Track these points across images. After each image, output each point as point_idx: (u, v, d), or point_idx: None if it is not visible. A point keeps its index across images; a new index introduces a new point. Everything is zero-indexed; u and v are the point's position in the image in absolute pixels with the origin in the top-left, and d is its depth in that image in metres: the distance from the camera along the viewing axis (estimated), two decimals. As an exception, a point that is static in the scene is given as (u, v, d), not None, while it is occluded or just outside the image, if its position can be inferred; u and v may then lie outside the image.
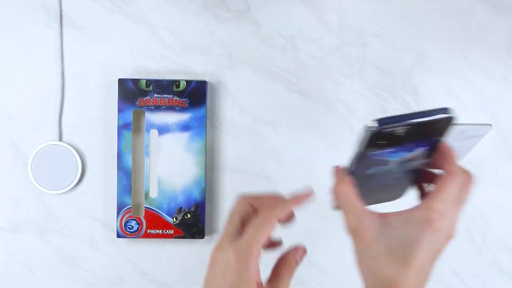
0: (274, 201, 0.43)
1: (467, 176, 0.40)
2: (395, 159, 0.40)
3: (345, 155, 0.65)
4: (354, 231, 0.38)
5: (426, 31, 0.65)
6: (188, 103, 0.62)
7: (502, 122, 0.66)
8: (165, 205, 0.62)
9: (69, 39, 0.64)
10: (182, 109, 0.62)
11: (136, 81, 0.62)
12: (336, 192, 0.39)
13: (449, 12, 0.65)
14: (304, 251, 0.44)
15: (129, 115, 0.62)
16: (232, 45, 0.64)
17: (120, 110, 0.62)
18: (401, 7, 0.65)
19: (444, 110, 0.39)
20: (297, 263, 0.43)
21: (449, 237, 0.40)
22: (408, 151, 0.40)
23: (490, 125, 0.57)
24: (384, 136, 0.38)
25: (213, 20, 0.64)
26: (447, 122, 0.40)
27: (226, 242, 0.41)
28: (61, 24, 0.64)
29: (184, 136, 0.62)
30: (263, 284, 0.41)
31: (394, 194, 0.47)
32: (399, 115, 0.37)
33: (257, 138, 0.64)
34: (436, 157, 0.40)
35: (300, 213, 0.66)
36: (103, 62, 0.64)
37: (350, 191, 0.39)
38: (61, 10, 0.64)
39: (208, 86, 0.64)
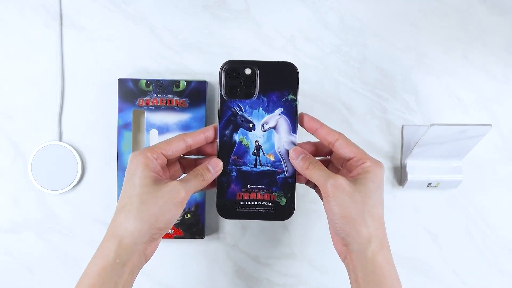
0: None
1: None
2: (256, 118, 0.47)
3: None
4: (335, 190, 0.44)
5: (426, 31, 0.65)
6: (188, 103, 0.62)
7: (502, 122, 0.66)
8: (165, 205, 0.62)
9: (69, 39, 0.64)
10: (182, 109, 0.62)
11: (136, 81, 0.62)
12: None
13: (449, 12, 0.65)
14: (220, 164, 0.47)
15: (129, 115, 0.62)
16: (232, 45, 0.64)
17: (120, 110, 0.62)
18: (401, 7, 0.65)
19: (287, 62, 0.47)
20: (210, 174, 0.46)
21: None
22: (264, 108, 0.47)
23: (490, 125, 0.57)
24: (235, 76, 0.48)
25: (213, 20, 0.64)
26: (291, 72, 0.48)
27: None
28: (61, 24, 0.64)
29: (184, 136, 0.62)
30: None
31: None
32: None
33: (257, 138, 0.64)
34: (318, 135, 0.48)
35: (300, 212, 0.66)
36: (103, 62, 0.64)
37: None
38: (61, 10, 0.64)
39: (208, 86, 0.64)
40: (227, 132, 0.48)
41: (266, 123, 0.47)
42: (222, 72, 0.48)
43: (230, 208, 0.48)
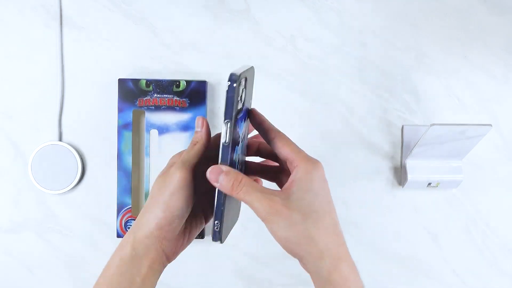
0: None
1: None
2: (241, 130, 0.41)
3: (345, 155, 0.65)
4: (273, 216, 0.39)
5: (426, 31, 0.65)
6: (188, 103, 0.62)
7: (502, 122, 0.66)
8: (165, 205, 0.62)
9: (69, 39, 0.64)
10: (182, 109, 0.62)
11: (136, 81, 0.62)
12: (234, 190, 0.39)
13: (449, 12, 0.65)
14: (201, 120, 0.43)
15: (129, 115, 0.62)
16: (232, 45, 0.64)
17: (120, 110, 0.62)
18: (401, 7, 0.65)
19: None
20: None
21: None
22: (243, 119, 0.41)
23: (490, 125, 0.57)
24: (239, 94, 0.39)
25: (213, 20, 0.64)
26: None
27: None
28: (61, 24, 0.64)
29: (184, 136, 0.62)
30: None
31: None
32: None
33: (257, 138, 0.64)
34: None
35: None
36: (103, 62, 0.64)
37: (249, 183, 0.40)
38: (61, 10, 0.64)
39: (208, 86, 0.64)
40: (234, 155, 0.41)
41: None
42: (239, 87, 0.38)
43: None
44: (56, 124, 0.64)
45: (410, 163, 0.63)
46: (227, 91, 0.36)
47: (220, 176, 0.39)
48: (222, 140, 0.38)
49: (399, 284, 0.66)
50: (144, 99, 0.62)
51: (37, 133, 0.64)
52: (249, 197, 0.39)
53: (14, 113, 0.64)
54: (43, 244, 0.64)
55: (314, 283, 0.41)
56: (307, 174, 0.39)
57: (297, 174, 0.39)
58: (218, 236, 0.40)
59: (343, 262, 0.40)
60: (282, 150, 0.40)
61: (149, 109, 0.62)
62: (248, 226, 0.65)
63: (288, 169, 0.41)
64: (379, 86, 0.65)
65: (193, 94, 0.62)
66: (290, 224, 0.38)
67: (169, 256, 0.44)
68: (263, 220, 0.39)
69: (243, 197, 0.39)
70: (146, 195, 0.63)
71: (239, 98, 0.38)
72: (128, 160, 0.62)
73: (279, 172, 0.45)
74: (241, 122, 0.40)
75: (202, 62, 0.64)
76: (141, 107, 0.62)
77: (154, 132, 0.63)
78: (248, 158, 0.45)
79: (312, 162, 0.39)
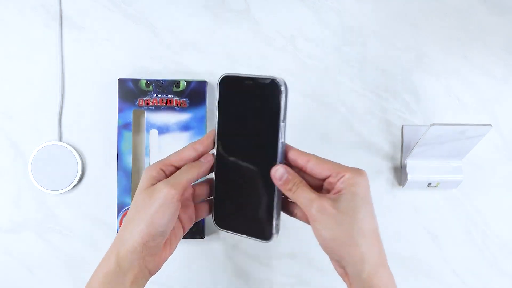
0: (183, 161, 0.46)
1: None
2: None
3: (345, 155, 0.65)
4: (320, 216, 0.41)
5: (426, 31, 0.65)
6: (188, 103, 0.62)
7: (502, 122, 0.66)
8: (165, 205, 0.62)
9: (69, 39, 0.64)
10: (182, 109, 0.62)
11: (136, 81, 0.62)
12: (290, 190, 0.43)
13: (449, 12, 0.65)
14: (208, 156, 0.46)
15: (129, 115, 0.62)
16: (232, 45, 0.64)
17: (120, 110, 0.62)
18: (401, 7, 0.65)
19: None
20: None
21: None
22: None
23: (490, 125, 0.57)
24: None
25: (213, 20, 0.64)
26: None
27: (145, 187, 0.44)
28: (61, 24, 0.64)
29: (184, 136, 0.62)
30: None
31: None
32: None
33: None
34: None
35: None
36: (103, 62, 0.64)
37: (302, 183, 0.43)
38: (61, 10, 0.64)
39: (208, 86, 0.64)
40: None
41: None
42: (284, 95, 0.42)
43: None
44: (56, 124, 0.64)
45: (410, 163, 0.63)
46: (285, 93, 0.41)
47: (284, 175, 0.42)
48: (281, 140, 0.42)
49: (399, 284, 0.66)
50: (144, 99, 0.62)
51: (37, 133, 0.64)
52: (303, 196, 0.42)
53: (14, 113, 0.64)
54: (43, 244, 0.64)
55: (351, 284, 0.42)
56: (355, 180, 0.41)
57: (345, 180, 0.41)
58: (277, 230, 0.44)
59: (383, 269, 0.41)
60: (322, 168, 0.42)
61: (149, 109, 0.62)
62: (248, 226, 0.65)
63: (327, 188, 0.43)
64: (379, 86, 0.65)
65: (193, 94, 0.62)
66: (337, 224, 0.40)
67: (151, 270, 0.45)
68: (311, 219, 0.41)
69: (297, 196, 0.42)
70: (146, 195, 0.63)
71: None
72: (128, 160, 0.62)
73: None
74: None
75: (202, 62, 0.64)
76: (141, 107, 0.62)
77: (154, 132, 0.63)
78: None
79: (358, 170, 0.42)
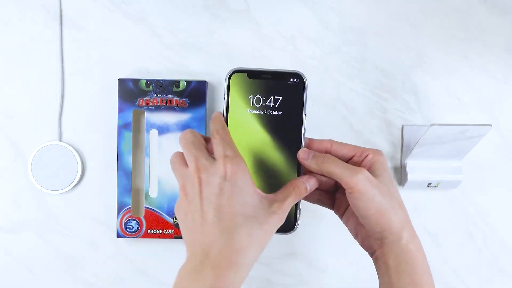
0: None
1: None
2: None
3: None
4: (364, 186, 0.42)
5: (426, 31, 0.65)
6: (188, 103, 0.62)
7: (502, 122, 0.66)
8: (165, 205, 0.62)
9: (69, 39, 0.64)
10: (182, 109, 0.62)
11: (136, 81, 0.62)
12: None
13: (449, 12, 0.65)
14: (316, 182, 0.44)
15: (129, 115, 0.62)
16: (232, 45, 0.64)
17: (120, 110, 0.62)
18: (401, 7, 0.65)
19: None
20: (305, 190, 0.43)
21: None
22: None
23: (490, 125, 0.57)
24: None
25: (213, 20, 0.64)
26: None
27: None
28: (61, 24, 0.64)
29: (184, 136, 0.62)
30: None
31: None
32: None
33: (257, 138, 0.64)
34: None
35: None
36: (103, 62, 0.64)
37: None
38: (61, 10, 0.64)
39: (208, 86, 0.64)
40: None
41: None
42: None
43: None
44: (56, 124, 0.64)
45: (410, 163, 0.63)
46: (306, 87, 0.44)
47: (311, 153, 0.44)
48: (303, 132, 0.44)
49: (399, 284, 0.66)
50: (144, 99, 0.62)
51: (37, 133, 0.64)
52: (340, 167, 0.42)
53: (14, 113, 0.64)
54: (43, 244, 0.64)
55: (386, 253, 0.43)
56: (378, 158, 0.44)
57: (371, 159, 0.44)
58: (299, 221, 0.45)
59: (416, 237, 0.44)
60: (347, 149, 0.45)
61: (149, 109, 0.62)
62: (248, 226, 0.65)
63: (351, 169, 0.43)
64: (379, 86, 0.65)
65: (193, 94, 0.62)
66: (381, 194, 0.42)
67: None
68: (355, 189, 0.41)
69: (333, 167, 0.42)
70: (146, 195, 0.63)
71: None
72: (128, 160, 0.62)
73: (334, 192, 0.48)
74: None
75: (202, 62, 0.64)
76: (141, 107, 0.62)
77: (154, 132, 0.63)
78: None
79: (377, 150, 0.45)
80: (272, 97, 0.44)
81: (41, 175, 0.63)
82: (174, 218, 0.62)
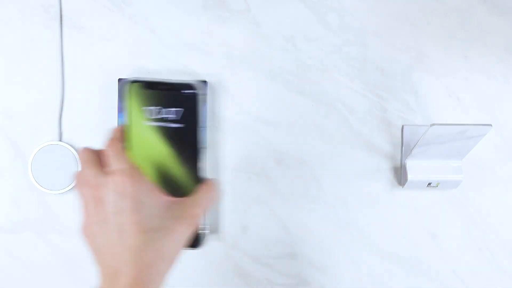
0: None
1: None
2: None
3: (345, 155, 0.65)
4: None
5: (426, 31, 0.65)
6: (188, 103, 0.62)
7: (502, 122, 0.66)
8: (165, 205, 0.62)
9: (69, 39, 0.64)
10: (182, 109, 0.62)
11: (136, 81, 0.62)
12: None
13: (449, 12, 0.65)
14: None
15: (129, 115, 0.62)
16: (232, 45, 0.64)
17: (120, 110, 0.62)
18: (401, 7, 0.65)
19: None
20: (218, 193, 0.41)
21: None
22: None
23: (490, 125, 0.57)
24: None
25: (213, 20, 0.64)
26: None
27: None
28: (61, 24, 0.64)
29: (184, 136, 0.62)
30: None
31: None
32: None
33: (257, 138, 0.64)
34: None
35: (300, 212, 0.66)
36: (103, 62, 0.64)
37: None
38: (61, 10, 0.64)
39: (208, 86, 0.64)
40: None
41: None
42: None
43: None
44: (56, 124, 0.64)
45: (410, 163, 0.63)
46: (201, 98, 0.40)
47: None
48: (201, 144, 0.41)
49: (399, 284, 0.66)
50: (144, 99, 0.62)
51: (37, 133, 0.64)
52: None
53: (14, 113, 0.64)
54: (43, 244, 0.64)
55: None
56: None
57: None
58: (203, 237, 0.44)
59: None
60: None
61: (149, 109, 0.62)
62: (248, 226, 0.65)
63: None
64: (379, 86, 0.65)
65: (193, 94, 0.62)
66: None
67: None
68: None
69: None
70: (146, 195, 0.62)
71: None
72: (128, 160, 0.62)
73: None
74: None
75: (202, 62, 0.64)
76: (141, 107, 0.62)
77: (154, 132, 0.63)
78: None
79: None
80: (168, 108, 0.41)
81: (41, 175, 0.63)
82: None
